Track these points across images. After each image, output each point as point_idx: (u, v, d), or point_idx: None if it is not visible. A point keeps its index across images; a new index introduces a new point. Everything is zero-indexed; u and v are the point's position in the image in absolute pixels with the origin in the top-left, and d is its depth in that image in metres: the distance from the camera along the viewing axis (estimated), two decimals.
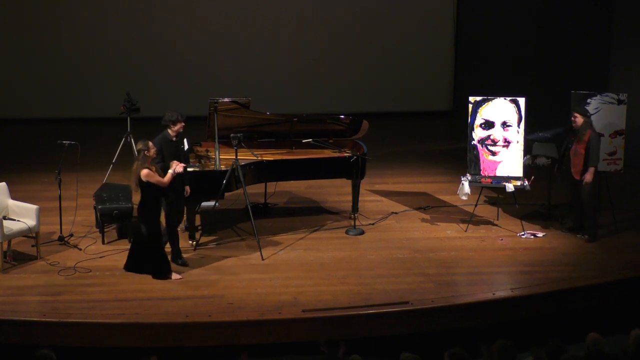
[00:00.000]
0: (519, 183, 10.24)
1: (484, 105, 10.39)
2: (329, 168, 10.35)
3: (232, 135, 9.42)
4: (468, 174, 10.41)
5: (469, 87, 13.37)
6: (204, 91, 13.06)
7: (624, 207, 10.74)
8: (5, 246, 9.18)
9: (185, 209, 9.58)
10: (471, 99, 10.45)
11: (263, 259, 9.38)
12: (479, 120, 10.41)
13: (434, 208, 11.13)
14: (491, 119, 10.38)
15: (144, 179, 8.53)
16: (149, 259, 8.78)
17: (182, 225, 9.68)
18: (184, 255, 9.21)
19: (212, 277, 8.95)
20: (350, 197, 10.51)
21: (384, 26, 15.82)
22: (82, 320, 7.98)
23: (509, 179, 10.29)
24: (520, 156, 10.33)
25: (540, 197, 10.82)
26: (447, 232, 10.29)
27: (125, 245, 9.67)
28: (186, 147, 9.56)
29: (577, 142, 9.76)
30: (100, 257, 9.41)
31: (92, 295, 8.50)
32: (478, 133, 10.43)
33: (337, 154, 10.39)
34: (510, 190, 10.22)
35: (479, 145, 10.43)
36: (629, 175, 10.83)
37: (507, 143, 10.36)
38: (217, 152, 9.80)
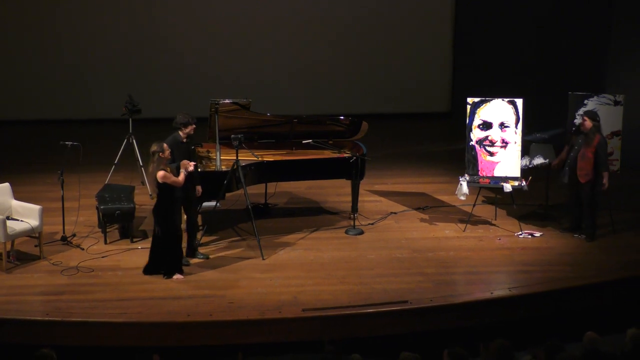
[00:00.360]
0: (516, 183, 10.24)
1: (482, 107, 10.39)
2: (328, 169, 10.35)
3: (232, 136, 9.42)
4: (466, 175, 10.41)
5: (467, 88, 13.35)
6: (204, 92, 13.07)
7: (621, 208, 10.73)
8: (8, 246, 9.18)
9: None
10: (469, 100, 10.45)
11: (263, 259, 9.38)
12: (477, 121, 10.41)
13: (432, 208, 11.13)
14: (489, 120, 10.38)
15: (160, 180, 8.54)
16: (166, 258, 8.80)
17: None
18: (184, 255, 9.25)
19: (213, 277, 8.95)
20: (349, 198, 10.51)
21: (383, 28, 15.82)
22: (85, 319, 7.98)
23: (506, 179, 10.29)
24: (518, 157, 10.33)
25: (538, 197, 10.82)
26: (446, 232, 10.29)
27: (127, 245, 9.69)
28: None
29: (585, 146, 9.72)
30: (103, 257, 9.41)
31: (95, 295, 8.50)
32: (476, 134, 10.43)
33: (336, 155, 10.39)
34: (508, 191, 10.23)
35: (477, 146, 10.43)
36: (626, 176, 10.82)
37: (504, 144, 10.36)
38: (218, 153, 9.80)
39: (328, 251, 9.66)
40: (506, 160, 10.35)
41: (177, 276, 8.81)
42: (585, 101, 10.46)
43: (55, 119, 15.26)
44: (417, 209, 11.10)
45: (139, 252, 9.51)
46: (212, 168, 9.85)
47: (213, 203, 9.62)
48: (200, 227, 9.93)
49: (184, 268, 9.01)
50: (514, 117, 10.30)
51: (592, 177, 9.75)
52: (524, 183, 10.21)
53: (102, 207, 9.74)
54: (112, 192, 10.06)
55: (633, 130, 11.29)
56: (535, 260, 9.44)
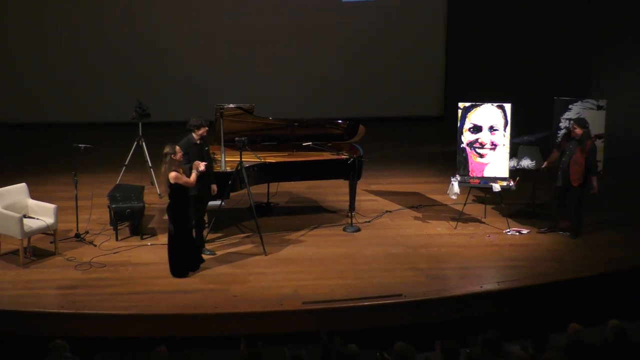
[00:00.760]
0: (505, 183, 10.29)
1: (472, 111, 10.45)
2: (327, 170, 10.39)
3: (237, 139, 9.47)
4: (457, 175, 10.47)
5: (459, 93, 13.40)
6: (209, 97, 13.07)
7: (605, 208, 10.78)
8: (25, 243, 9.25)
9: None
10: (460, 105, 10.51)
11: (266, 255, 9.44)
12: (467, 125, 10.46)
13: (425, 207, 11.17)
14: (479, 124, 10.43)
15: (172, 181, 8.56)
16: (178, 257, 8.86)
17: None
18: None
19: (218, 272, 9.00)
20: (347, 197, 10.55)
21: (380, 39, 15.79)
22: (97, 311, 8.05)
23: (495, 179, 10.35)
24: (506, 158, 10.39)
25: (525, 196, 10.85)
26: (438, 229, 10.34)
27: (137, 242, 9.74)
28: None
29: (578, 152, 9.73)
30: (114, 253, 9.47)
31: (107, 289, 8.56)
32: (467, 137, 10.48)
33: (335, 157, 10.44)
34: (496, 190, 10.28)
35: (467, 148, 10.48)
36: (610, 179, 10.87)
37: (494, 146, 10.41)
38: (223, 155, 9.85)
39: (327, 247, 9.71)
40: (495, 162, 10.41)
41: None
42: (570, 106, 10.53)
43: (65, 123, 15.00)
44: (411, 207, 11.14)
45: (149, 248, 9.58)
46: (217, 169, 9.90)
47: (218, 202, 9.67)
48: (207, 225, 9.99)
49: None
50: (502, 121, 10.35)
51: (582, 181, 9.79)
52: (512, 183, 10.27)
53: (113, 205, 9.79)
54: (123, 191, 10.11)
55: (615, 134, 11.33)
56: (523, 256, 9.50)
